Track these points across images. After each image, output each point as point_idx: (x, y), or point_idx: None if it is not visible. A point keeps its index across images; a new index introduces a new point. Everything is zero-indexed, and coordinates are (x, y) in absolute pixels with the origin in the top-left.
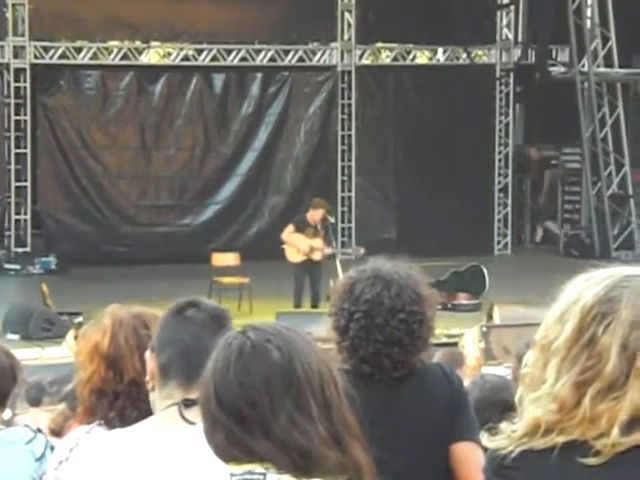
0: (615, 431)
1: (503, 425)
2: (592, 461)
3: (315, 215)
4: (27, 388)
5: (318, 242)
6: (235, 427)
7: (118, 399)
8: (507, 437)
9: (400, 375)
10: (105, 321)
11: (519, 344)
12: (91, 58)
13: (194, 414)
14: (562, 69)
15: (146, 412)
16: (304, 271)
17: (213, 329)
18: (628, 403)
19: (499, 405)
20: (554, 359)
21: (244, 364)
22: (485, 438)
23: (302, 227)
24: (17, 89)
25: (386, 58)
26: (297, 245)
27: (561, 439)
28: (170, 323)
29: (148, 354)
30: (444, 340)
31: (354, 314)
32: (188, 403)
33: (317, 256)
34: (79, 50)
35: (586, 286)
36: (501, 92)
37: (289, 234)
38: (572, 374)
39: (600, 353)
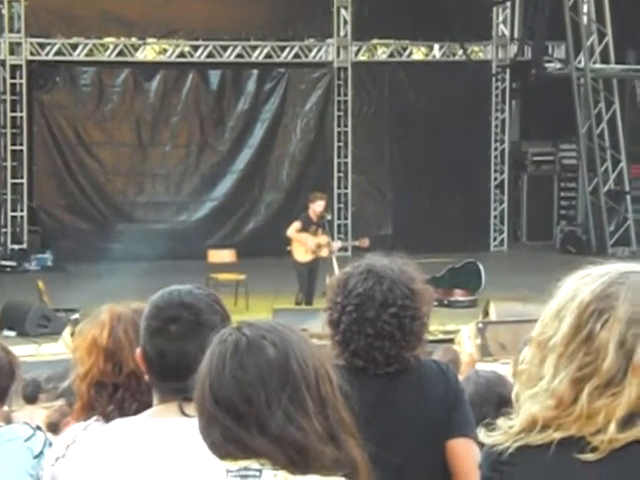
0: (612, 427)
1: (500, 421)
2: (589, 457)
3: (316, 208)
4: (23, 385)
5: (324, 238)
6: (231, 423)
7: (117, 391)
8: (504, 433)
9: (394, 370)
10: (103, 317)
11: (522, 343)
12: (87, 55)
13: (193, 408)
14: (558, 65)
15: (146, 404)
16: (308, 270)
17: (196, 334)
18: (626, 399)
19: (495, 400)
20: (551, 356)
21: (240, 360)
22: (482, 434)
23: (307, 225)
24: (13, 86)
25: (382, 54)
26: (305, 244)
27: (558, 435)
28: (153, 340)
29: (138, 353)
30: (440, 337)
31: (346, 307)
32: (189, 398)
33: (324, 253)
34: (75, 47)
35: (583, 283)
36: (497, 88)
37: (295, 232)
38: (570, 370)
39: (598, 350)
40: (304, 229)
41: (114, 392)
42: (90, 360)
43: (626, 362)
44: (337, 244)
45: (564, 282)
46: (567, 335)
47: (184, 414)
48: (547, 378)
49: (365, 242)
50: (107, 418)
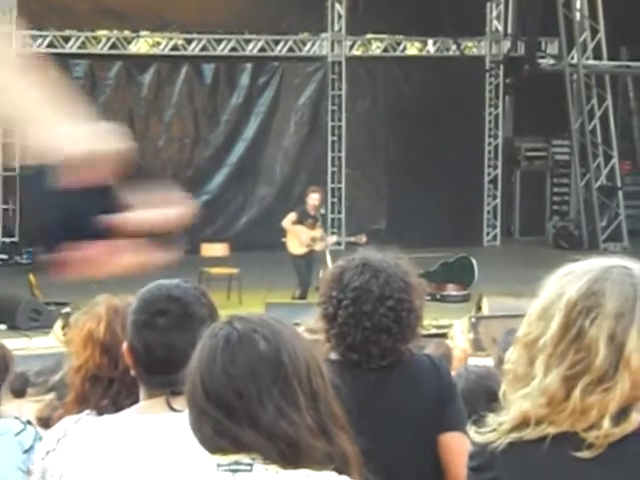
0: (606, 422)
1: (489, 418)
2: (586, 454)
3: (309, 201)
4: (11, 379)
5: (319, 232)
6: (222, 417)
7: (112, 385)
8: (494, 430)
9: (388, 363)
10: (99, 309)
11: (501, 335)
12: (79, 47)
13: (181, 402)
14: (551, 61)
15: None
16: (305, 262)
17: (184, 327)
18: (619, 393)
19: (485, 394)
20: (541, 355)
21: (231, 354)
22: (472, 432)
23: (303, 217)
24: None
25: (376, 49)
26: (299, 237)
27: (552, 430)
28: (140, 333)
29: (125, 347)
30: (433, 331)
31: (342, 301)
32: (176, 392)
33: (319, 246)
34: (67, 39)
35: (567, 281)
36: (491, 84)
37: (290, 223)
38: (561, 369)
39: (588, 347)
40: (300, 221)
41: (109, 386)
42: (86, 353)
43: (617, 357)
44: (333, 238)
45: (547, 281)
46: (556, 334)
47: (172, 409)
48: (538, 378)
49: (362, 239)
50: (100, 412)
